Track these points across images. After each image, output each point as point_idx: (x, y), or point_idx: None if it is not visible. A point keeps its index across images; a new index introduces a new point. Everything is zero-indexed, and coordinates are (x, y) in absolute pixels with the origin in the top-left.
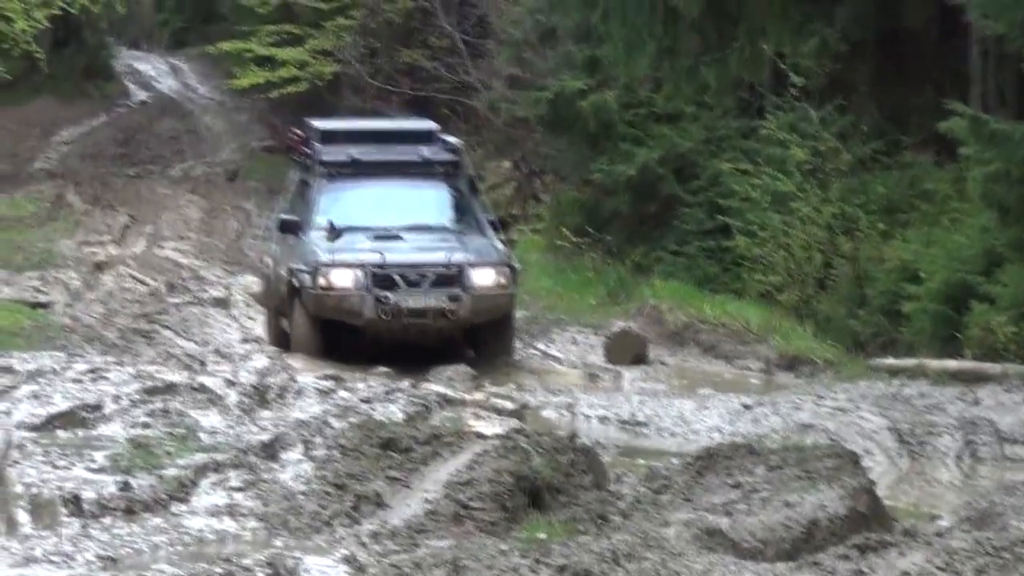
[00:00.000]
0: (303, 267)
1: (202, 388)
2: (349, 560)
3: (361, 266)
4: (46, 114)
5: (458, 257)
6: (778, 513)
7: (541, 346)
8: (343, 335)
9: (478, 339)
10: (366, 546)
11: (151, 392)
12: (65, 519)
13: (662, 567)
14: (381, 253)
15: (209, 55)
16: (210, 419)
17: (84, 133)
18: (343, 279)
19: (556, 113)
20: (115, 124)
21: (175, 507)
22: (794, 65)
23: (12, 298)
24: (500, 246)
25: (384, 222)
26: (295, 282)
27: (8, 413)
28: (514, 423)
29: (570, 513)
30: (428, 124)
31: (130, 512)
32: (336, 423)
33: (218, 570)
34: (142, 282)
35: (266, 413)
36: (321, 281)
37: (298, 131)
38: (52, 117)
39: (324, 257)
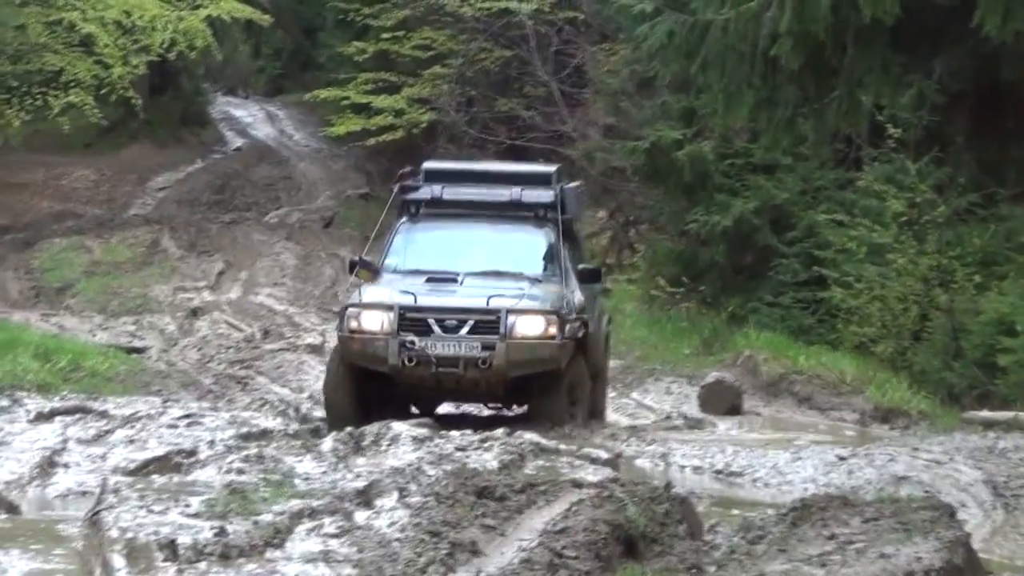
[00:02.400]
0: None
1: (297, 435)
2: None
3: (390, 308)
4: (142, 160)
5: (499, 302)
6: (873, 565)
7: (636, 396)
8: (377, 387)
9: (528, 394)
10: None
11: (246, 438)
12: (160, 564)
13: None
14: (414, 295)
15: (305, 102)
16: (305, 465)
17: (180, 179)
18: (372, 322)
19: (652, 163)
20: (211, 170)
21: (270, 553)
22: (891, 117)
23: (108, 343)
24: (574, 297)
25: (457, 266)
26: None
27: (104, 457)
28: (609, 472)
29: (664, 563)
30: (547, 168)
31: (225, 558)
32: (431, 470)
33: None
34: (237, 328)
35: (361, 460)
36: (351, 324)
37: (406, 172)
38: (148, 163)
39: (354, 298)
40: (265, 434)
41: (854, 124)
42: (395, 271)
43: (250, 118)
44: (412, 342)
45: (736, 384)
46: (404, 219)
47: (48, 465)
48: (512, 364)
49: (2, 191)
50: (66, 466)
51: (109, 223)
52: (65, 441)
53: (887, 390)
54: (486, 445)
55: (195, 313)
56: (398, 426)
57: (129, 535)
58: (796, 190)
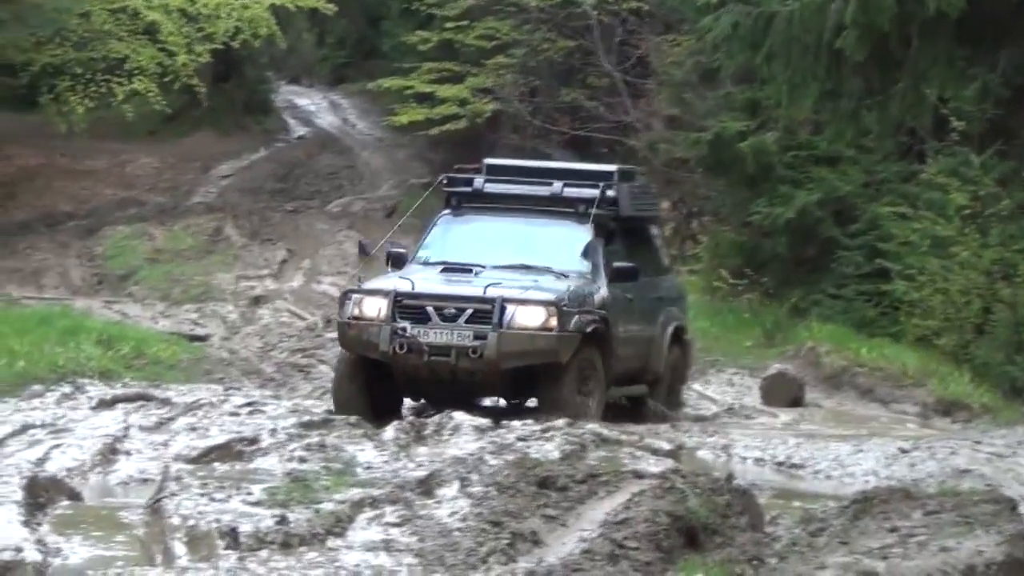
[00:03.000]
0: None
1: (358, 423)
2: None
3: (387, 295)
4: (205, 148)
5: (496, 291)
6: (934, 558)
7: (697, 387)
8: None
9: (533, 387)
10: None
11: (308, 426)
12: (221, 552)
13: None
14: (412, 282)
15: (369, 91)
16: (366, 454)
17: (243, 167)
18: (370, 308)
19: (715, 154)
20: (274, 159)
21: (331, 542)
22: (955, 110)
23: (170, 330)
24: (595, 292)
25: (485, 259)
26: None
27: (166, 445)
28: (670, 463)
29: (725, 554)
30: (608, 168)
31: (286, 546)
32: (492, 460)
33: None
34: (299, 316)
35: (422, 449)
36: (352, 310)
37: (464, 167)
38: (211, 151)
39: (356, 284)
40: (327, 422)
41: (918, 117)
42: (425, 262)
43: (313, 107)
44: (404, 329)
45: (798, 376)
46: (446, 211)
47: (110, 452)
48: (504, 355)
49: (66, 178)
50: (128, 453)
51: (172, 211)
52: (127, 428)
53: (949, 383)
54: (548, 435)
55: (257, 301)
56: (460, 416)
57: (190, 523)
58: (859, 182)
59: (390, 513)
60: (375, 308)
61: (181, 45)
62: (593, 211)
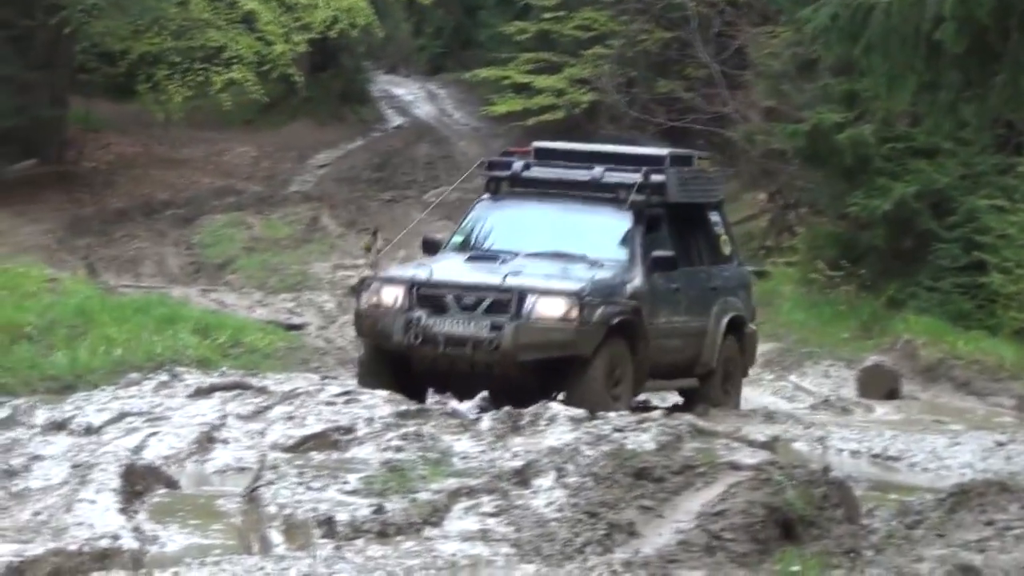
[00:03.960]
0: None
1: (455, 413)
2: None
3: (404, 283)
4: (302, 137)
5: (515, 280)
6: None
7: (793, 378)
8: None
9: (559, 381)
10: (618, 575)
11: (404, 416)
12: (318, 541)
13: None
14: (431, 270)
15: (466, 81)
16: (463, 444)
17: (340, 157)
18: (388, 297)
19: (813, 146)
20: (371, 148)
21: (428, 531)
22: None
23: (267, 319)
24: (627, 282)
25: (520, 246)
26: None
27: (262, 434)
28: (766, 455)
29: (822, 546)
30: (659, 152)
31: (383, 535)
32: (588, 451)
33: None
34: None
35: (518, 439)
36: (371, 299)
37: (516, 150)
38: (308, 140)
39: (374, 272)
40: (423, 412)
41: (1016, 109)
42: (457, 249)
43: (410, 96)
44: (419, 319)
45: (894, 368)
46: (484, 196)
47: (207, 441)
48: (521, 347)
49: (163, 167)
50: (225, 442)
51: (269, 199)
52: (224, 417)
53: None
54: (644, 426)
55: (354, 291)
56: (556, 406)
57: (287, 511)
58: (957, 175)
59: (486, 503)
60: (392, 296)
61: (278, 34)
62: (632, 197)
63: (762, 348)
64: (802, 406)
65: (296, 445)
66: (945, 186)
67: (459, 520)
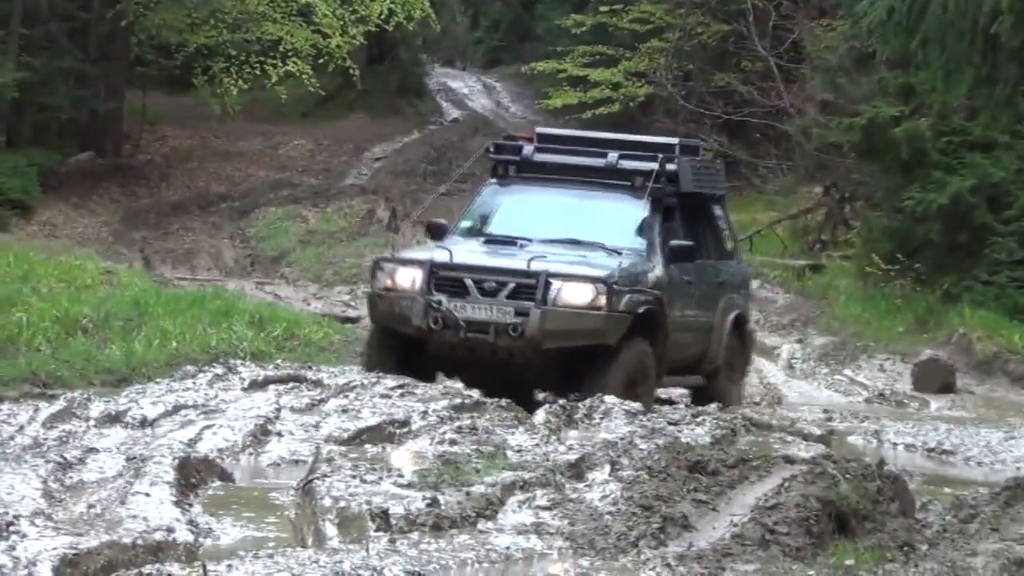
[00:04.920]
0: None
1: (509, 406)
2: None
3: (422, 265)
4: (359, 130)
5: (540, 265)
6: None
7: (848, 372)
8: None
9: (580, 371)
10: (672, 568)
11: (459, 409)
12: (373, 534)
13: None
14: (450, 252)
15: (522, 74)
16: (517, 437)
17: (396, 150)
18: (404, 279)
19: (869, 140)
20: (427, 141)
21: (482, 524)
22: None
23: (322, 312)
24: (649, 271)
25: (533, 232)
26: None
27: (317, 426)
28: (821, 448)
29: (876, 540)
30: (668, 140)
31: (437, 528)
32: (643, 444)
33: None
34: None
35: (573, 433)
36: (384, 281)
37: (517, 136)
38: (364, 133)
39: (388, 253)
40: (478, 405)
41: None
42: (466, 233)
43: (467, 89)
44: (439, 302)
45: (950, 362)
46: (492, 181)
47: (261, 433)
48: (546, 334)
49: (219, 159)
50: (279, 435)
51: (325, 192)
52: (279, 410)
53: None
54: (698, 420)
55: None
56: (610, 399)
57: (341, 504)
58: (1013, 168)
59: (541, 496)
60: (409, 279)
61: (335, 27)
62: (651, 185)
63: (817, 342)
64: (857, 400)
65: (351, 438)
66: (1001, 180)
67: (513, 513)
